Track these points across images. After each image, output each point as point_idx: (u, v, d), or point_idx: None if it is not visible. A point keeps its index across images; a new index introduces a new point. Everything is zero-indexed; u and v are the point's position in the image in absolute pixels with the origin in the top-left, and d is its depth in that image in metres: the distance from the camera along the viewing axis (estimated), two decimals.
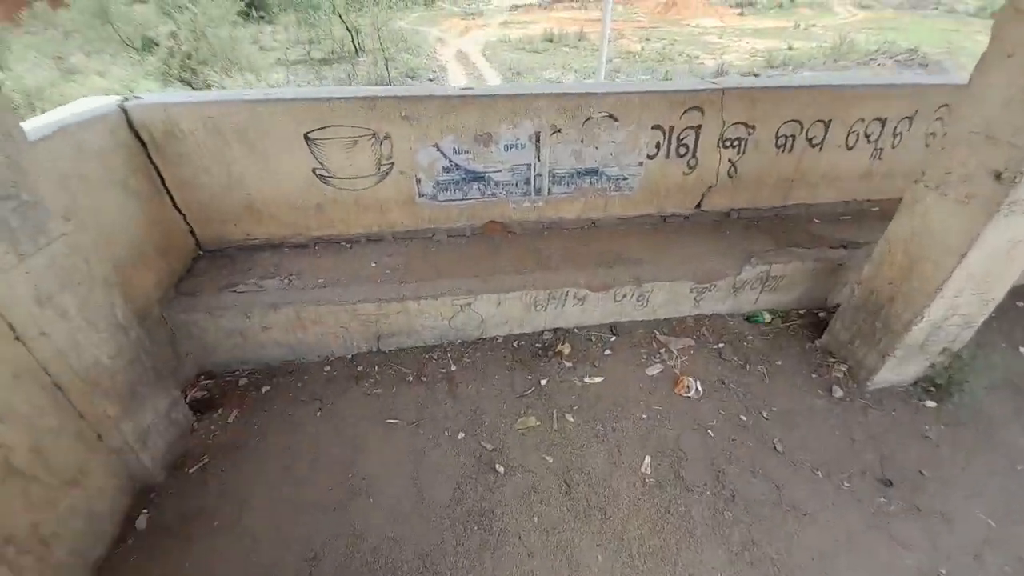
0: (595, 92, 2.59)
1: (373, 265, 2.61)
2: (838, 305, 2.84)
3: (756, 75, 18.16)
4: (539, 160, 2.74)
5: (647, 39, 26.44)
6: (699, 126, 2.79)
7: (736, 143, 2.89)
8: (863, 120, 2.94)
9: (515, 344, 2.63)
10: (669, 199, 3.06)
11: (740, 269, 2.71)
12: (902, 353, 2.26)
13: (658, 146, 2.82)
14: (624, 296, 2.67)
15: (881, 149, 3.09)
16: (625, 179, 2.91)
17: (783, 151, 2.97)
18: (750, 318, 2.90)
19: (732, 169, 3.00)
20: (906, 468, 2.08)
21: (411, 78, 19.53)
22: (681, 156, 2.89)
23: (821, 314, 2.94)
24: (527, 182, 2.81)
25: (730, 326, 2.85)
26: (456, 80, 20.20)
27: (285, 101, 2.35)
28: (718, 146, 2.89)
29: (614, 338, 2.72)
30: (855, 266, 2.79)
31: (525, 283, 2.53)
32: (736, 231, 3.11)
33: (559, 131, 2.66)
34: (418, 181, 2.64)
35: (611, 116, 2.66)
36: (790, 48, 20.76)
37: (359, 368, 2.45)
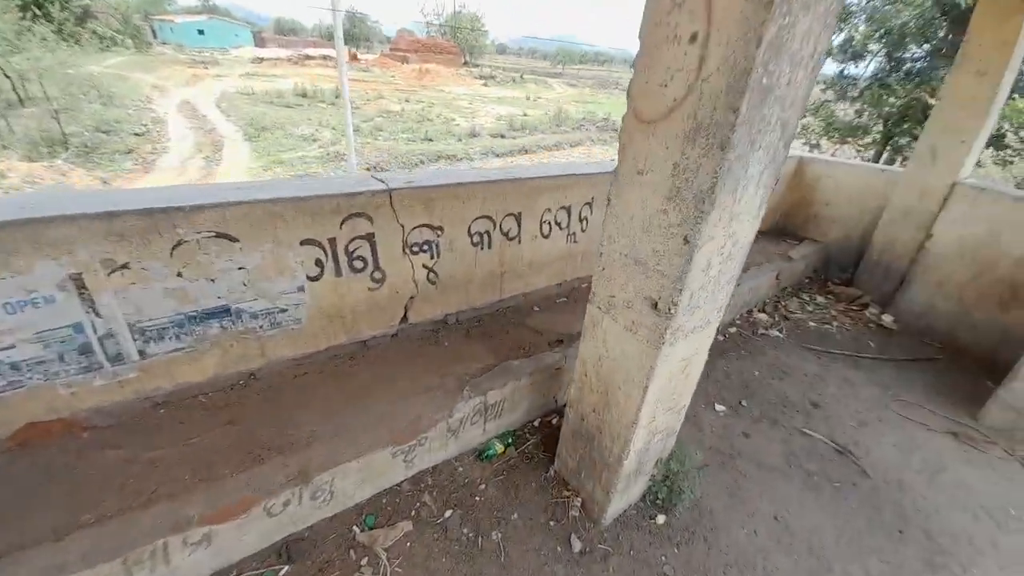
0: (182, 207, 1.67)
1: None
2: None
3: (503, 136, 20.56)
4: (98, 315, 1.64)
5: (406, 100, 27.72)
6: (371, 234, 2.16)
7: (426, 247, 2.39)
8: (550, 209, 2.83)
9: None
10: (361, 321, 2.34)
11: (452, 409, 2.13)
12: (623, 484, 1.97)
13: (320, 264, 2.07)
14: (288, 503, 1.75)
15: (574, 233, 3.07)
16: (283, 311, 2.05)
17: (482, 248, 2.62)
18: (481, 454, 2.35)
19: (431, 274, 2.48)
20: None
21: (105, 132, 15.20)
22: (360, 270, 2.21)
23: (555, 420, 2.63)
24: (85, 351, 1.66)
25: (459, 476, 2.23)
26: (180, 134, 16.67)
27: None
28: (406, 253, 2.33)
29: (286, 568, 1.75)
30: (572, 365, 2.56)
31: (58, 566, 1.35)
32: (455, 339, 2.60)
33: (126, 267, 1.63)
34: None
35: (225, 236, 1.78)
36: (525, 115, 24.57)
37: None
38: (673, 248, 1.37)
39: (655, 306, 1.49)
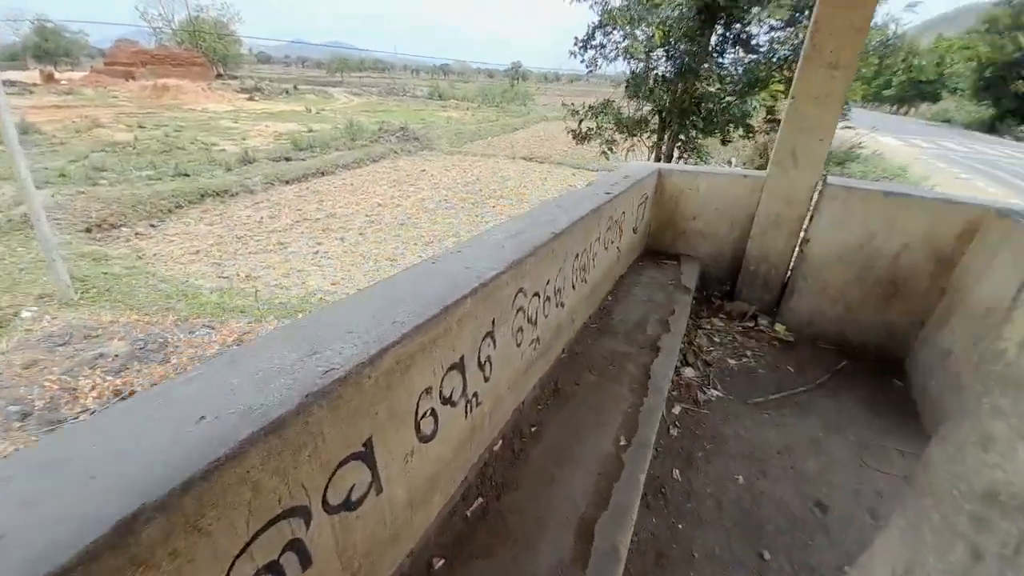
0: None
1: None
2: None
3: (288, 159, 17.30)
4: None
5: (140, 126, 21.44)
6: None
7: None
8: (429, 389, 1.30)
9: None
10: None
11: None
12: None
13: None
14: None
15: (475, 395, 1.60)
16: None
17: None
18: None
19: None
20: None
21: None
22: None
23: None
24: None
25: None
26: None
27: None
28: None
29: None
30: None
31: None
32: None
33: None
34: None
35: None
36: (310, 130, 21.32)
37: None
38: None
39: None
